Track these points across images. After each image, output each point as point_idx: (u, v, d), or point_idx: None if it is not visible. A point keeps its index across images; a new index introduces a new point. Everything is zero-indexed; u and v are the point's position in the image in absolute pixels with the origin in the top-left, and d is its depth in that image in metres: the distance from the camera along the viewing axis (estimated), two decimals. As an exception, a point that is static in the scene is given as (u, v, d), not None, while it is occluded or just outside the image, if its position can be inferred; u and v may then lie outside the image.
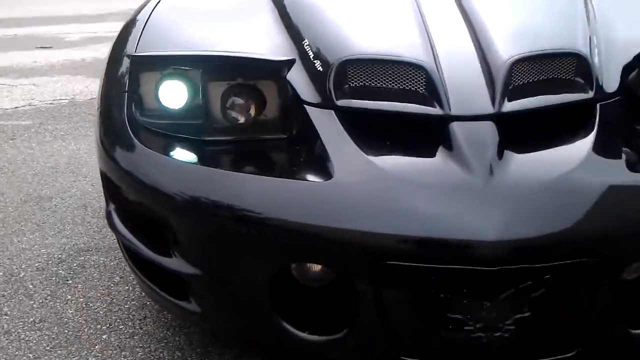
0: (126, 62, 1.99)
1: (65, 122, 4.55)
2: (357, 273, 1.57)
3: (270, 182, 1.65)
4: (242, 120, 1.77)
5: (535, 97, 1.71)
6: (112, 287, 2.53)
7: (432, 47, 1.79)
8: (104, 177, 1.99)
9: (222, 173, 1.71)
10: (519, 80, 1.74)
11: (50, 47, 7.20)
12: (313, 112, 1.76)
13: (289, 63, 1.79)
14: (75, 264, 2.70)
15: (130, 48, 2.04)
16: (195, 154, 1.81)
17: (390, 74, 1.76)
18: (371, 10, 2.07)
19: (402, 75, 1.75)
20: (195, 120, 1.84)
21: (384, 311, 1.58)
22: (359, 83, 1.79)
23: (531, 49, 1.78)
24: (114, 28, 2.63)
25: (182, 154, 1.81)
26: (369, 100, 1.73)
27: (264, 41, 1.99)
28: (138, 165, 1.82)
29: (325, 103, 1.76)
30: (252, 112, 1.77)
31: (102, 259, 2.73)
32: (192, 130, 1.83)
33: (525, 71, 1.75)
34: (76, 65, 6.26)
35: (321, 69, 1.81)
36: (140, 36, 2.05)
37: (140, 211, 1.86)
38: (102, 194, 2.07)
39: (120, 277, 2.58)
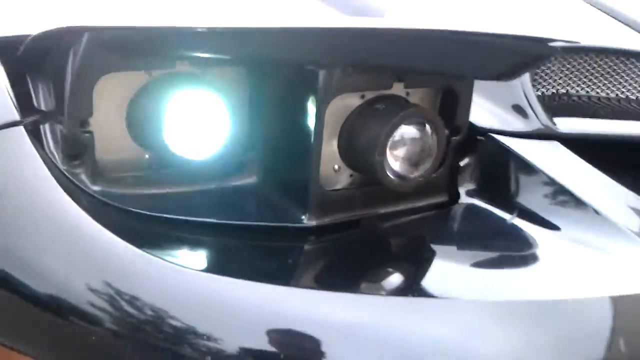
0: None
1: None
2: None
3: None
4: (409, 177, 0.80)
5: None
6: None
7: None
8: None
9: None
10: None
11: None
12: (523, 148, 0.86)
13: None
14: None
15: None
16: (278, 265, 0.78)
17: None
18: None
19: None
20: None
21: None
22: (564, 90, 0.95)
23: None
24: None
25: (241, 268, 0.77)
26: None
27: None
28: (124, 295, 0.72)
29: (536, 130, 0.89)
30: (420, 159, 0.80)
31: None
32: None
33: None
34: None
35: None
36: None
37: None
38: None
39: None
